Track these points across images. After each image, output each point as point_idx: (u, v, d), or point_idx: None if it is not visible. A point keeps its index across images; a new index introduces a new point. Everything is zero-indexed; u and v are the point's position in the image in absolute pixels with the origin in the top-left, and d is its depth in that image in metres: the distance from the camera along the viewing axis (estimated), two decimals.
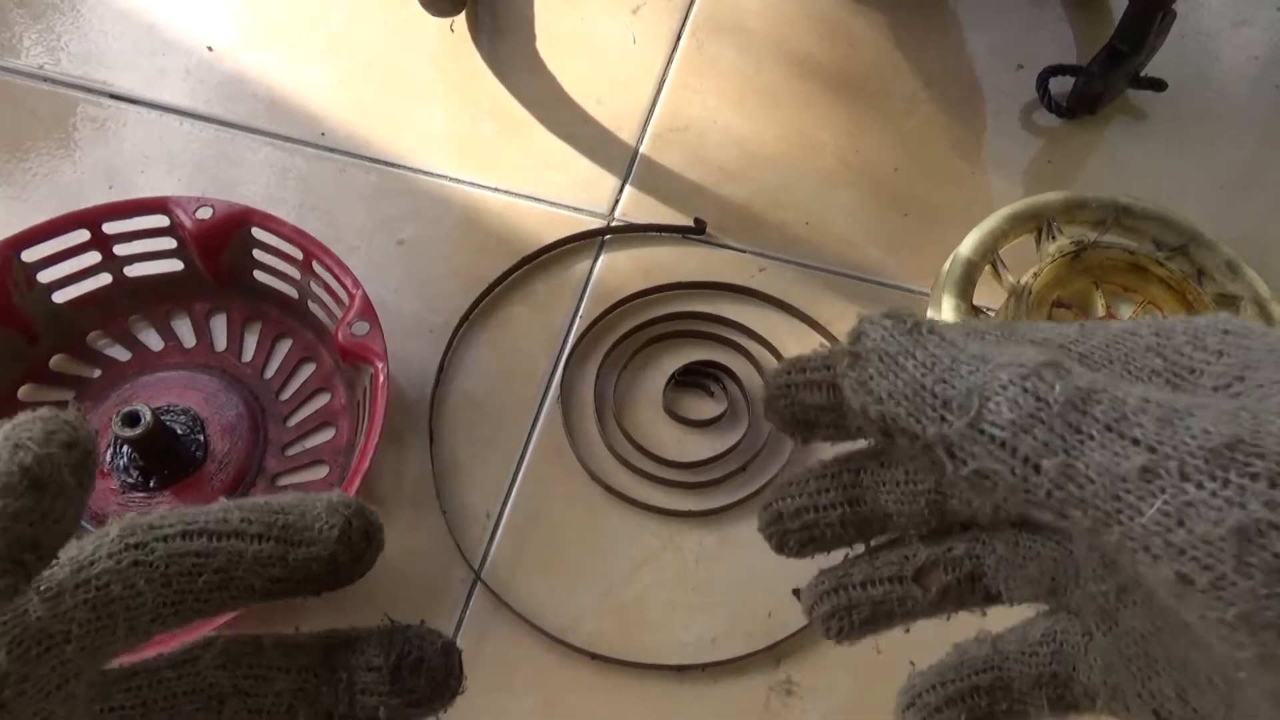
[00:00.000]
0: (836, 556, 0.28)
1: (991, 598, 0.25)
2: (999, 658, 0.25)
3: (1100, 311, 0.63)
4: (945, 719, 0.25)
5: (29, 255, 0.60)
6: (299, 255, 0.61)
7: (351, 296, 0.59)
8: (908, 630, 0.26)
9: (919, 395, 0.20)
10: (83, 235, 0.61)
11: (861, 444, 0.26)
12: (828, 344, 0.66)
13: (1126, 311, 0.64)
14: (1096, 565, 0.23)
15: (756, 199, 0.73)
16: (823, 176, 0.75)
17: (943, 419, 0.19)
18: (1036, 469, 0.18)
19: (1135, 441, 0.17)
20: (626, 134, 0.76)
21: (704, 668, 0.55)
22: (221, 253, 0.63)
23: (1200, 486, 0.16)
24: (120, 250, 0.63)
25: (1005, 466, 0.18)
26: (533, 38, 0.81)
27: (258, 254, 0.63)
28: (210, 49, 0.79)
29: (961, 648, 0.25)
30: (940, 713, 0.25)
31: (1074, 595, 0.24)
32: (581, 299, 0.68)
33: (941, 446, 0.20)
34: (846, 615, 0.26)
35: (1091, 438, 0.18)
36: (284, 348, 0.64)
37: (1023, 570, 0.24)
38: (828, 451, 0.26)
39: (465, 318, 0.66)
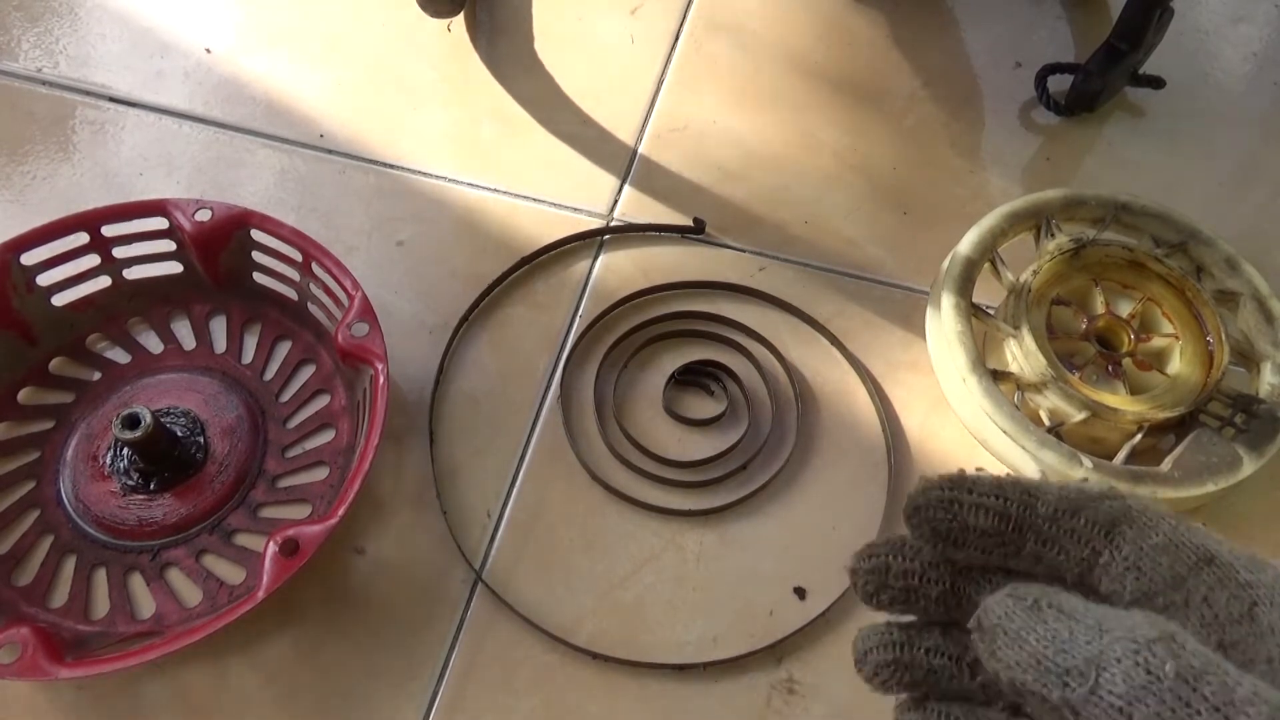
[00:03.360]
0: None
1: (1017, 712, 0.28)
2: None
3: (1099, 309, 0.63)
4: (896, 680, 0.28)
5: (28, 258, 0.60)
6: (298, 257, 0.61)
7: (351, 298, 0.59)
8: None
9: (1041, 665, 0.23)
10: (82, 238, 0.61)
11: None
12: (827, 342, 0.66)
13: (1126, 309, 0.64)
14: None
15: (756, 198, 0.73)
16: (822, 175, 0.75)
17: (1065, 684, 0.22)
18: None
19: None
20: (625, 134, 0.76)
21: (705, 667, 0.55)
22: (221, 255, 0.63)
23: None
24: (119, 253, 0.63)
25: None
26: (531, 38, 0.81)
27: (257, 256, 0.63)
28: (209, 51, 0.79)
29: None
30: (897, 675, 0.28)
31: None
32: (581, 299, 0.68)
33: (1066, 708, 0.23)
34: (901, 672, 0.28)
35: (1199, 713, 0.21)
36: (284, 349, 0.64)
37: None
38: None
39: (465, 318, 0.66)
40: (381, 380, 0.55)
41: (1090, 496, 0.27)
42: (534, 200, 0.72)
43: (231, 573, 0.56)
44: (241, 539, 0.58)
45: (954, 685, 0.28)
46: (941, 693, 0.28)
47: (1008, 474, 0.27)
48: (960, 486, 0.27)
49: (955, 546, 0.27)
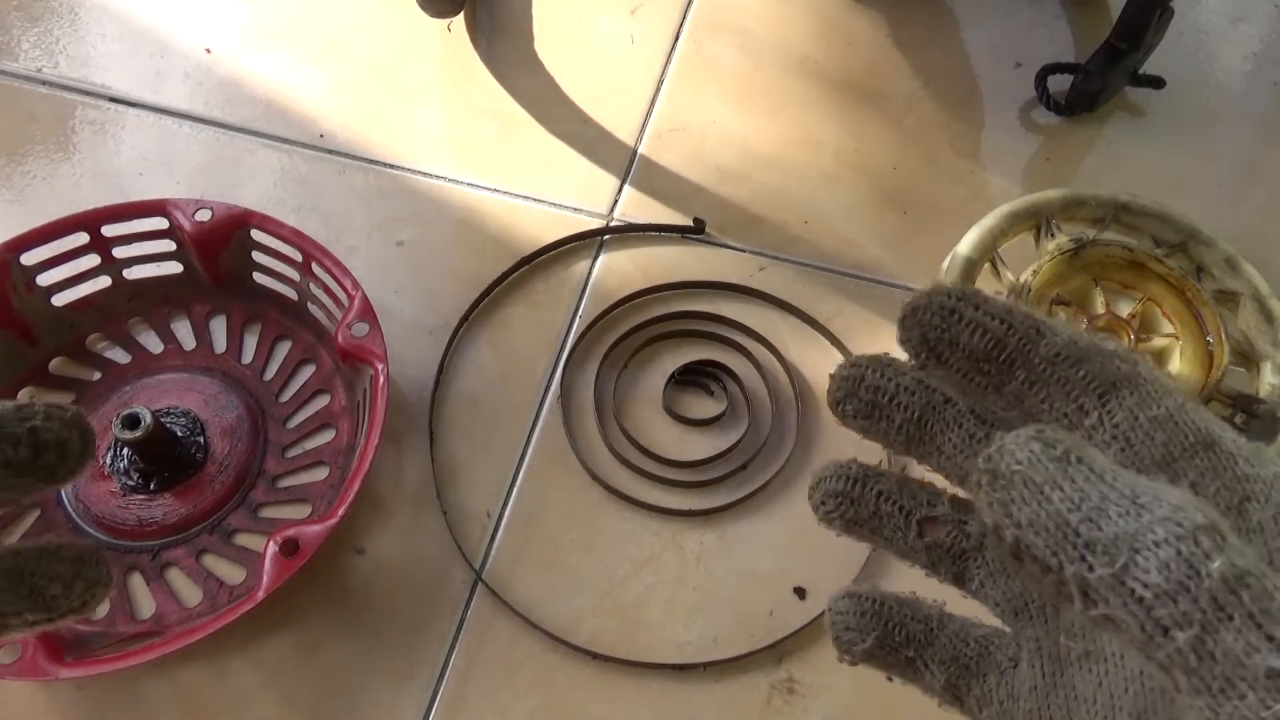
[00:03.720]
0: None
1: (959, 582, 0.26)
2: (938, 621, 0.26)
3: (1100, 309, 0.63)
4: (862, 627, 0.26)
5: (28, 258, 0.60)
6: (298, 257, 0.61)
7: (351, 298, 0.59)
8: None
9: (1062, 531, 0.20)
10: (82, 238, 0.61)
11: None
12: (827, 342, 0.66)
13: (1126, 309, 0.64)
14: (1079, 625, 0.24)
15: (756, 198, 0.73)
16: (822, 175, 0.75)
17: (1084, 559, 0.19)
18: (1166, 632, 0.18)
19: (1270, 639, 0.18)
20: (625, 134, 0.76)
21: (705, 667, 0.55)
22: (221, 255, 0.63)
23: None
24: (119, 253, 0.63)
25: (1137, 622, 0.19)
26: (531, 38, 0.81)
27: (257, 256, 0.63)
28: (209, 51, 0.79)
29: (917, 597, 0.27)
30: (864, 618, 0.26)
31: (1032, 628, 0.25)
32: (581, 299, 0.68)
33: (1076, 585, 0.20)
34: (844, 505, 0.26)
35: (1231, 619, 0.18)
36: (284, 349, 0.64)
37: (1006, 580, 0.25)
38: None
39: (465, 318, 0.66)
40: (381, 380, 0.55)
41: (1100, 351, 0.24)
42: (534, 200, 0.72)
43: (231, 573, 0.56)
44: (241, 539, 0.58)
45: (896, 539, 0.26)
46: (883, 540, 0.26)
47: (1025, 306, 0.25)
48: (968, 300, 0.24)
49: (938, 361, 0.24)
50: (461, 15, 0.81)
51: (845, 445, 0.62)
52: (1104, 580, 0.19)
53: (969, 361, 0.24)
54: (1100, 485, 0.20)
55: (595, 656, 0.55)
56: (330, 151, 0.74)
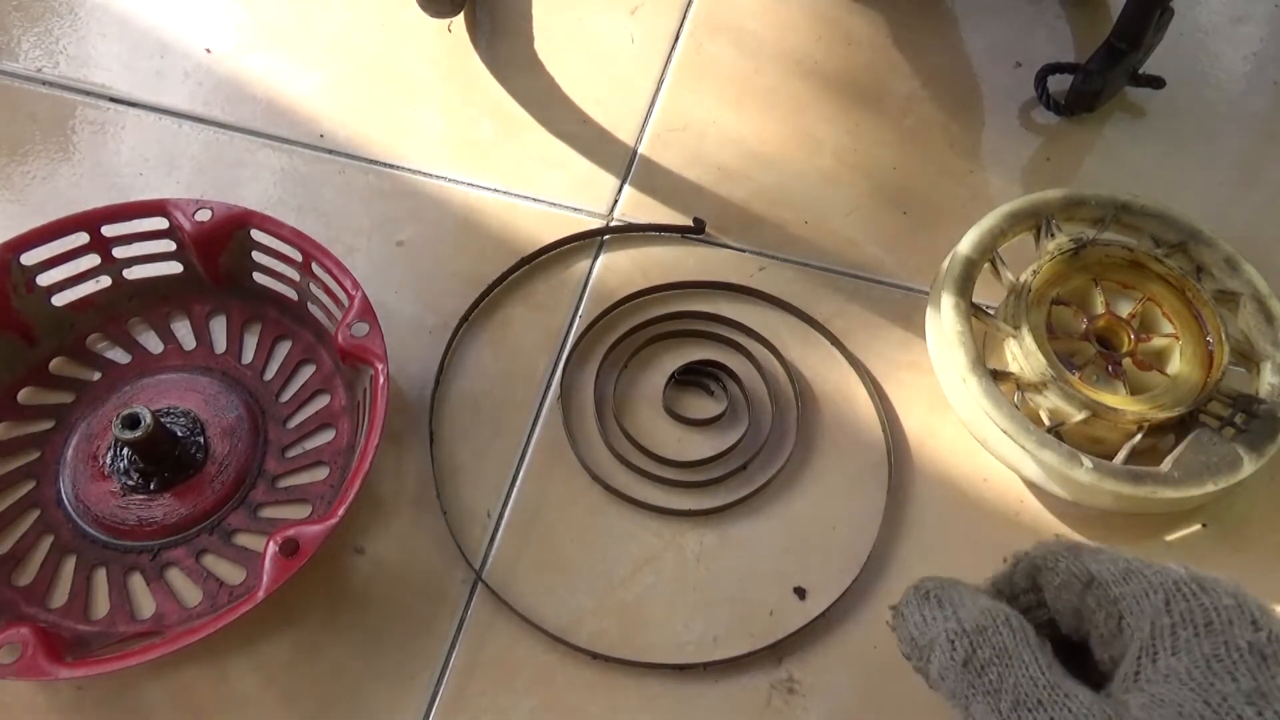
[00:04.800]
0: None
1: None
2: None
3: (1099, 309, 0.63)
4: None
5: (28, 258, 0.60)
6: (298, 257, 0.61)
7: (351, 298, 0.59)
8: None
9: (910, 642, 0.33)
10: (82, 238, 0.61)
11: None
12: (827, 342, 0.66)
13: (1126, 309, 0.64)
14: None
15: (755, 198, 0.73)
16: (821, 175, 0.75)
17: (920, 657, 0.32)
18: (951, 702, 0.30)
19: (997, 710, 0.28)
20: (625, 134, 0.76)
21: (705, 667, 0.55)
22: (220, 255, 0.63)
23: None
24: (119, 253, 0.63)
25: (945, 694, 0.31)
26: (531, 38, 0.82)
27: (257, 256, 0.63)
28: (209, 51, 0.79)
29: None
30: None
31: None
32: (581, 299, 0.68)
33: (920, 673, 0.33)
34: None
35: (977, 694, 0.29)
36: (283, 349, 0.64)
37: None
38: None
39: (465, 318, 0.66)
40: (381, 380, 0.55)
41: (1024, 557, 0.34)
42: (534, 200, 0.72)
43: (231, 573, 0.56)
44: (241, 539, 0.58)
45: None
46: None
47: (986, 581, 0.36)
48: (946, 590, 0.35)
49: None
50: (461, 15, 0.81)
51: (844, 446, 0.62)
52: (923, 670, 0.32)
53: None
54: (936, 611, 0.32)
55: (595, 656, 0.55)
56: (330, 151, 0.74)
